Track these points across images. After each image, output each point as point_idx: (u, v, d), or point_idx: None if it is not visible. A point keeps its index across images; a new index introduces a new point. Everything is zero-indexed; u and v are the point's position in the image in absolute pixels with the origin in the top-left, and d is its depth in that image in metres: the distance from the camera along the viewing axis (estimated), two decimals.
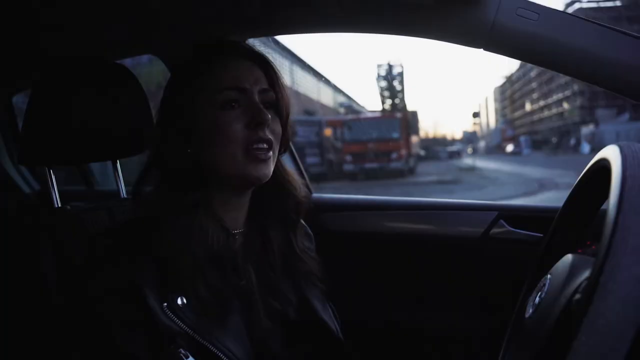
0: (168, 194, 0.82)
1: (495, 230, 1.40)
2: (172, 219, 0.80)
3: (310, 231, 1.09)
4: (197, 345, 0.76)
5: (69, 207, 1.13)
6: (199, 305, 0.78)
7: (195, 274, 0.78)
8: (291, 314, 0.89)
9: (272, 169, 0.85)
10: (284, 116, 0.88)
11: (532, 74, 56.22)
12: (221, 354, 0.76)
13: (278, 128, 0.86)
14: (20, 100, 2.19)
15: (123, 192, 1.28)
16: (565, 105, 48.41)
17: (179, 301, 0.76)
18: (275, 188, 0.92)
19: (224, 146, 0.81)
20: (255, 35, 1.37)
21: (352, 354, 0.93)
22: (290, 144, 1.73)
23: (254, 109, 0.82)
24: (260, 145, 0.81)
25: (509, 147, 45.14)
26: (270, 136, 0.83)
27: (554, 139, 45.25)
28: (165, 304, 0.75)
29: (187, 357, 0.74)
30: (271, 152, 0.84)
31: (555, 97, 51.18)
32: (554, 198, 11.94)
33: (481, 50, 1.02)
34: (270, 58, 0.90)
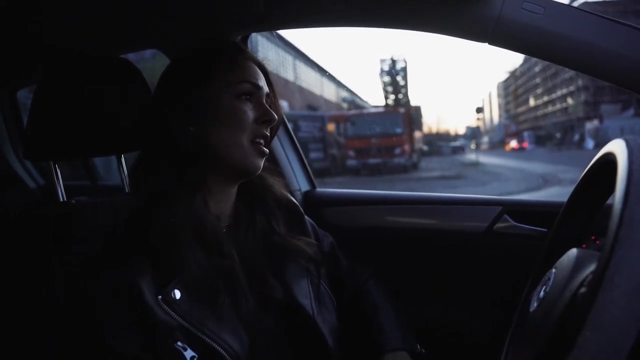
0: (168, 170, 0.86)
1: (499, 225, 1.40)
2: (171, 194, 0.84)
3: (316, 226, 1.14)
4: (194, 339, 0.77)
5: (73, 201, 1.13)
6: (191, 292, 0.79)
7: (187, 252, 0.80)
8: (276, 297, 0.93)
9: (262, 164, 0.93)
10: (276, 121, 0.95)
11: (536, 69, 56.01)
12: (217, 345, 0.78)
13: (268, 130, 0.94)
14: (24, 96, 2.19)
15: (128, 186, 1.28)
16: (570, 101, 48.20)
17: (173, 295, 0.78)
18: (256, 187, 1.00)
19: (234, 132, 0.88)
20: (258, 30, 1.37)
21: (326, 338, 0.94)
22: (294, 139, 1.73)
23: (263, 107, 0.91)
24: (262, 140, 0.91)
25: (513, 143, 44.90)
26: (268, 134, 0.92)
27: (558, 135, 45.11)
28: (160, 297, 0.77)
29: (185, 350, 0.76)
30: (266, 149, 0.92)
31: (559, 93, 50.97)
32: (557, 194, 11.92)
33: (486, 44, 1.02)
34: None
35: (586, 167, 0.77)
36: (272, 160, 1.58)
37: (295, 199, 1.63)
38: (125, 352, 0.76)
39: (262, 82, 0.94)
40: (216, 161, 0.89)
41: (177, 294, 0.79)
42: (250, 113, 0.90)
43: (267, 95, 0.95)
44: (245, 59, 0.94)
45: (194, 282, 0.80)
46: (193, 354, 0.76)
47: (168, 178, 0.86)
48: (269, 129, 0.93)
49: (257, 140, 0.90)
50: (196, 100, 0.88)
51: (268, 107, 0.92)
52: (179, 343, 0.76)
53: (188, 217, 0.83)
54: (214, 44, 0.99)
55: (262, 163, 0.92)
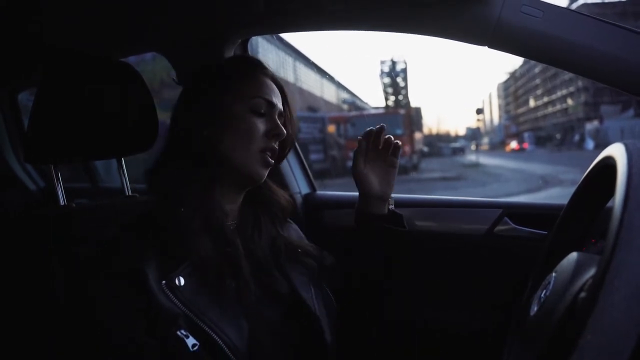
0: (179, 169, 0.91)
1: (499, 227, 1.39)
2: (181, 191, 0.88)
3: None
4: (195, 327, 0.79)
5: (74, 204, 1.13)
6: (194, 280, 0.82)
7: (194, 241, 0.84)
8: (280, 291, 0.96)
9: (265, 174, 0.98)
10: (285, 136, 0.99)
11: (536, 70, 56.10)
12: (216, 336, 0.79)
13: (277, 145, 0.99)
14: (25, 98, 2.20)
15: (128, 189, 1.29)
16: (570, 102, 48.24)
17: (177, 281, 0.80)
18: (263, 197, 1.06)
19: (245, 142, 0.93)
20: (259, 32, 1.37)
21: (325, 332, 0.96)
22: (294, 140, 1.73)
23: (274, 122, 0.97)
24: (270, 153, 0.96)
25: (513, 144, 44.87)
26: (276, 147, 0.98)
27: (558, 135, 45.14)
28: (164, 282, 0.79)
29: (188, 338, 0.78)
30: (272, 160, 0.97)
31: (559, 94, 51.02)
32: (558, 195, 11.91)
33: (485, 47, 1.02)
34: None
35: (586, 168, 0.77)
36: None
37: (295, 201, 1.64)
38: (126, 346, 0.76)
39: (277, 99, 0.99)
40: (224, 165, 0.93)
41: (182, 280, 0.81)
42: (261, 126, 0.95)
43: (282, 112, 1.00)
44: (262, 75, 0.99)
45: (198, 270, 0.82)
46: (195, 342, 0.78)
47: (178, 177, 0.90)
48: (277, 144, 0.97)
49: (266, 152, 0.95)
50: (211, 106, 0.94)
51: (278, 122, 0.96)
52: (182, 331, 0.78)
53: (197, 210, 0.87)
54: (234, 58, 1.06)
55: (265, 173, 0.97)
